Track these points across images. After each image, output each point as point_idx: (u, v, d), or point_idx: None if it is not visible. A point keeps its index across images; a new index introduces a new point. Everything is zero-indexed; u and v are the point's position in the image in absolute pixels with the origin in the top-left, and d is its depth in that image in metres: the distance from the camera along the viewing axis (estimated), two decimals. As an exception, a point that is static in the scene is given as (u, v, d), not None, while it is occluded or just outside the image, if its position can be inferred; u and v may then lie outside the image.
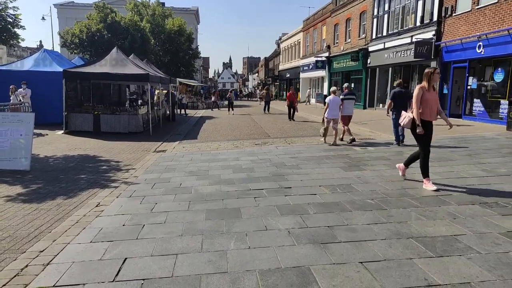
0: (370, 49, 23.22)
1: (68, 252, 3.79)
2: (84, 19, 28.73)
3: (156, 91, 19.43)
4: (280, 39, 53.35)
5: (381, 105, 23.16)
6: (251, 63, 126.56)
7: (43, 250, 3.84)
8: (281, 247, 3.77)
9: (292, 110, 19.38)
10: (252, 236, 4.05)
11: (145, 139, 12.59)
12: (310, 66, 34.50)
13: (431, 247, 3.67)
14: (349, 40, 26.69)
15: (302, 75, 38.33)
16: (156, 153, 9.98)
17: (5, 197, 5.87)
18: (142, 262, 3.51)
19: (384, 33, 21.83)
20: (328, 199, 5.29)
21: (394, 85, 10.82)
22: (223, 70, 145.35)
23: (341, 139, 11.00)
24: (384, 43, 21.50)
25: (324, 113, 10.71)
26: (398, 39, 20.09)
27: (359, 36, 25.08)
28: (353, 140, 10.54)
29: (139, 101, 19.07)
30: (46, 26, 74.35)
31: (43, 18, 37.53)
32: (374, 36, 22.89)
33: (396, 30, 20.56)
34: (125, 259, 3.58)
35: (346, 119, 10.83)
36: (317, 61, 31.43)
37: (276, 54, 57.81)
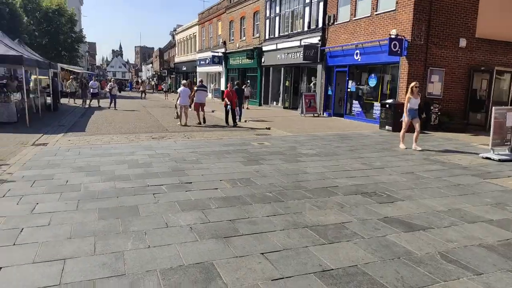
0: (264, 48, 24.12)
1: None
2: None
3: (33, 77, 17.09)
4: (175, 30, 51.86)
5: (275, 102, 24.33)
6: (144, 53, 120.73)
7: None
8: (183, 243, 3.67)
9: (230, 111, 14.58)
10: (152, 235, 3.86)
11: (21, 130, 11.01)
12: (207, 61, 34.35)
13: (324, 234, 3.97)
14: (244, 38, 27.31)
15: (199, 69, 37.95)
16: (35, 146, 8.80)
17: None
18: (23, 271, 3.05)
19: (276, 35, 22.86)
20: (229, 193, 5.34)
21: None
22: (112, 58, 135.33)
23: (199, 123, 14.47)
24: (277, 44, 22.55)
25: (176, 101, 14.41)
26: (288, 41, 21.25)
27: (253, 35, 25.83)
28: (199, 123, 14.40)
29: (14, 86, 16.51)
30: None
31: None
32: (267, 37, 23.82)
33: (287, 33, 21.72)
34: (0, 268, 3.06)
35: (198, 106, 14.61)
36: (213, 56, 31.38)
37: (172, 45, 56.16)
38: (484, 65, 13.96)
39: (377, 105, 14.98)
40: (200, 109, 14.64)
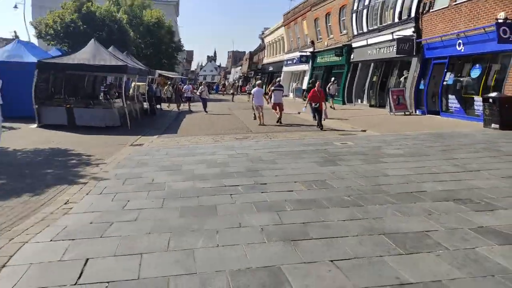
0: (354, 45, 23.27)
1: (25, 252, 3.60)
2: (59, 9, 27.59)
3: (133, 84, 18.94)
4: (263, 33, 53.08)
5: (359, 100, 23.30)
6: (236, 57, 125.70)
7: (-2, 249, 3.63)
8: (250, 244, 3.67)
9: (317, 114, 13.18)
10: (223, 234, 3.94)
11: (123, 133, 12.30)
12: (294, 61, 34.53)
13: (401, 243, 3.63)
14: (332, 36, 26.70)
15: (285, 68, 38.34)
16: (132, 147, 9.75)
17: (-35, 193, 5.60)
18: (106, 263, 3.36)
19: (365, 29, 21.88)
20: (305, 196, 5.23)
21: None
22: (206, 63, 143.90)
23: (278, 122, 14.49)
24: (367, 39, 21.58)
25: (252, 102, 14.95)
26: (379, 35, 20.16)
27: (340, 32, 25.11)
28: (278, 121, 14.49)
29: (115, 94, 18.52)
30: (21, 15, 71.51)
31: (15, 7, 35.32)
32: (355, 32, 22.94)
33: (376, 27, 20.63)
34: (87, 259, 3.42)
35: (275, 105, 14.71)
36: (301, 55, 31.46)
37: (261, 48, 57.53)
38: None
39: (478, 99, 13.31)
40: (277, 109, 14.63)
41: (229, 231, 4.02)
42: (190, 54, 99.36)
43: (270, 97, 15.26)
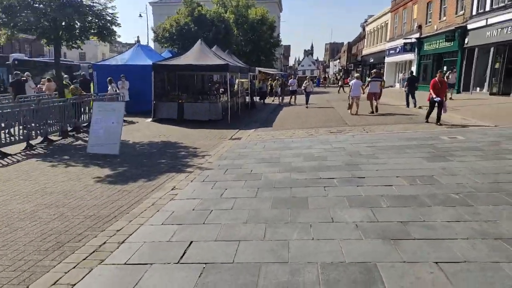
0: (469, 26, 20.76)
1: (141, 232, 4.08)
2: (175, 15, 30.64)
3: (236, 80, 19.97)
4: (365, 21, 50.68)
5: (478, 88, 20.73)
6: (334, 49, 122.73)
7: (120, 229, 4.18)
8: (346, 240, 3.58)
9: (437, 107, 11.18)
10: (317, 228, 3.91)
11: (223, 126, 13.01)
12: (397, 50, 32.24)
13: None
14: (444, 18, 24.19)
15: (387, 59, 36.01)
16: (232, 140, 10.25)
17: (96, 178, 6.55)
18: (206, 246, 3.62)
19: (488, 8, 19.29)
20: (405, 192, 4.88)
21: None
22: (303, 58, 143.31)
23: (372, 112, 14.67)
24: (487, 19, 19.02)
25: (349, 93, 15.37)
26: (504, 13, 17.56)
27: (456, 13, 22.58)
28: (371, 112, 14.58)
29: (221, 90, 19.76)
30: (144, 23, 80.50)
31: (140, 16, 41.53)
32: (474, 12, 20.39)
33: (503, 4, 18.00)
34: (191, 242, 3.73)
35: (371, 95, 14.85)
36: (405, 43, 29.21)
37: (361, 38, 55.14)
38: None
39: None
40: (373, 99, 14.88)
41: (323, 226, 3.98)
42: (287, 49, 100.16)
43: (367, 87, 15.28)
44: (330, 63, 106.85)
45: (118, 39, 18.30)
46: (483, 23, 19.44)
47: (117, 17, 14.43)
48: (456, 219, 3.94)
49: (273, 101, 24.65)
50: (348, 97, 15.78)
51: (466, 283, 2.76)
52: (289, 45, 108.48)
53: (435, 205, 4.37)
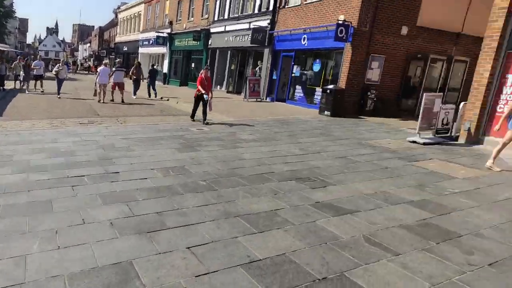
0: (212, 30, 23.43)
1: None
2: None
3: None
4: (118, 8, 48.80)
5: (218, 86, 23.88)
6: (83, 32, 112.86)
7: None
8: (99, 242, 3.34)
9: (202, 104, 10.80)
10: (64, 234, 3.48)
11: None
12: (151, 42, 32.76)
13: (255, 223, 3.85)
14: (192, 18, 26.30)
15: (141, 49, 36.11)
16: None
17: None
18: None
19: (226, 16, 22.24)
20: (160, 183, 5.04)
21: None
22: (46, 36, 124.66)
23: (112, 100, 15.24)
24: (225, 26, 21.99)
25: (96, 79, 15.35)
26: (238, 23, 20.80)
27: (202, 16, 24.94)
28: (112, 100, 15.12)
29: None
30: None
31: None
32: (216, 18, 23.14)
33: (237, 15, 21.24)
34: None
35: (115, 85, 15.36)
36: (158, 36, 29.98)
37: (113, 24, 52.82)
38: (420, 52, 14.57)
39: (318, 90, 15.17)
40: (117, 88, 15.41)
41: (72, 230, 3.57)
42: (24, 23, 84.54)
43: (111, 76, 15.63)
44: (80, 46, 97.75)
45: None
46: (222, 28, 22.43)
47: None
48: (204, 203, 4.38)
49: (15, 87, 19.85)
50: (95, 84, 15.63)
51: (213, 261, 3.11)
52: (27, 19, 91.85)
53: (187, 192, 4.72)
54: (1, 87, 18.80)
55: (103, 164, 5.87)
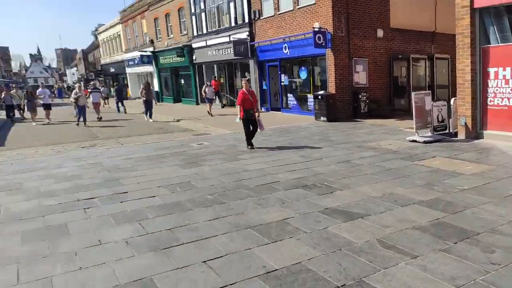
0: (194, 45, 23.46)
1: None
2: None
3: None
4: (96, 30, 48.74)
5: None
6: (67, 56, 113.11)
7: None
8: (119, 261, 3.41)
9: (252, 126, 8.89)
10: (84, 255, 3.54)
11: None
12: (136, 61, 32.56)
13: (267, 234, 3.93)
14: (172, 35, 26.31)
15: (128, 70, 35.99)
16: None
17: None
18: None
19: (205, 31, 22.21)
20: (168, 200, 5.11)
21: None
22: (31, 64, 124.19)
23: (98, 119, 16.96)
24: (206, 40, 22.06)
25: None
26: (218, 37, 20.85)
27: (181, 32, 24.98)
28: (100, 118, 17.14)
29: None
30: None
31: None
32: (195, 33, 23.15)
33: (215, 29, 21.27)
34: None
35: (94, 105, 17.81)
36: (142, 55, 29.83)
37: (95, 46, 52.66)
38: (401, 53, 14.97)
39: (310, 97, 15.37)
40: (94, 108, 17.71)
41: (90, 251, 3.63)
42: (4, 51, 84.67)
43: (88, 98, 17.22)
44: (67, 70, 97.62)
45: None
46: (204, 43, 22.43)
47: None
48: (214, 217, 4.46)
49: (22, 119, 18.99)
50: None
51: (231, 273, 3.18)
52: (7, 47, 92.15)
53: (196, 207, 4.80)
54: (11, 117, 18.23)
55: (110, 185, 5.95)
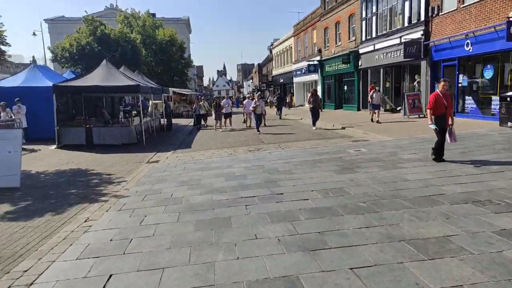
0: (361, 51, 23.26)
1: (53, 270, 3.71)
2: (75, 33, 28.63)
3: (150, 102, 19.43)
4: (271, 45, 53.51)
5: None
6: (246, 70, 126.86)
7: (28, 269, 3.75)
8: (270, 256, 3.69)
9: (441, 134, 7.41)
10: (241, 246, 3.97)
11: (139, 150, 12.50)
12: (303, 71, 34.60)
13: (423, 249, 3.59)
14: (340, 43, 26.76)
15: (295, 79, 38.42)
16: (149, 164, 9.89)
17: (-8, 216, 5.78)
18: (128, 278, 3.43)
19: (374, 35, 21.87)
20: (320, 204, 5.22)
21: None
22: (217, 78, 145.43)
23: (249, 126, 19.12)
24: (374, 44, 21.54)
25: (243, 110, 20.80)
26: (387, 40, 20.11)
27: (349, 39, 25.15)
28: (248, 127, 19.15)
29: (134, 112, 18.93)
30: (40, 42, 74.12)
31: (34, 34, 37.41)
32: (363, 38, 22.93)
33: (385, 32, 20.60)
34: (111, 275, 3.50)
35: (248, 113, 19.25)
36: (309, 65, 31.51)
37: (269, 60, 57.90)
38: None
39: (495, 99, 13.12)
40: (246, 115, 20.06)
41: (247, 243, 4.05)
42: (200, 69, 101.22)
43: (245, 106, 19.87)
44: (244, 83, 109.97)
45: (9, 59, 16.41)
46: (371, 48, 21.92)
47: (6, 36, 13.10)
48: (365, 225, 4.32)
49: (206, 126, 21.76)
50: (243, 113, 21.24)
51: (378, 285, 3.04)
52: (202, 66, 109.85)
53: (347, 214, 4.75)
54: (199, 125, 20.95)
55: (269, 186, 6.45)
